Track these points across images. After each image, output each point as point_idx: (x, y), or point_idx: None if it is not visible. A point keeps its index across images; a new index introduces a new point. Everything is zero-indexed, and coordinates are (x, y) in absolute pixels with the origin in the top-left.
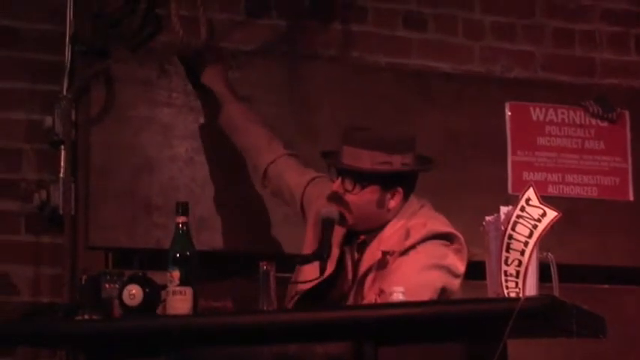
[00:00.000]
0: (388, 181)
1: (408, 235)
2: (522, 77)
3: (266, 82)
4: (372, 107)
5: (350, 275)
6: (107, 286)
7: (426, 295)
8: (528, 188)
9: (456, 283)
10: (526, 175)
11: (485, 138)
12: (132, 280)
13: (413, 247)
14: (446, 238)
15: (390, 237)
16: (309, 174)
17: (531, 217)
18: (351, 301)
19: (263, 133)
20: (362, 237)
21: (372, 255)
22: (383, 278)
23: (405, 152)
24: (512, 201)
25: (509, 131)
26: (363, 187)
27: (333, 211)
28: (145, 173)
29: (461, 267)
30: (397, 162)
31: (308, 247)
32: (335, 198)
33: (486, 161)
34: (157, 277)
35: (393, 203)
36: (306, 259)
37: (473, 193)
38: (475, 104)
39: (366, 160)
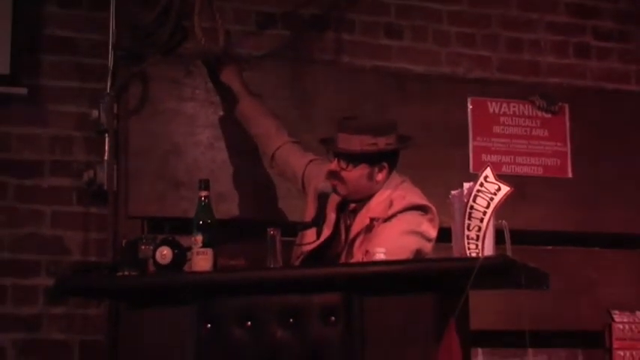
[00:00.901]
0: (375, 159)
1: (391, 204)
2: (481, 77)
3: (273, 81)
4: (359, 102)
5: (343, 238)
6: (143, 247)
7: (403, 255)
8: (486, 168)
9: (429, 246)
10: (484, 157)
11: (451, 127)
12: (163, 242)
13: (394, 215)
14: (421, 209)
15: (376, 206)
16: (309, 157)
17: (489, 191)
18: (342, 259)
19: (271, 123)
20: (353, 205)
21: (361, 221)
22: (369, 241)
23: (388, 134)
24: (473, 178)
25: (471, 121)
26: (355, 165)
27: (328, 186)
28: (174, 156)
29: (433, 233)
30: (382, 143)
31: (308, 216)
32: (333, 175)
33: (452, 146)
34: (184, 240)
35: (380, 177)
36: (307, 226)
37: (442, 171)
38: (443, 99)
39: (357, 143)
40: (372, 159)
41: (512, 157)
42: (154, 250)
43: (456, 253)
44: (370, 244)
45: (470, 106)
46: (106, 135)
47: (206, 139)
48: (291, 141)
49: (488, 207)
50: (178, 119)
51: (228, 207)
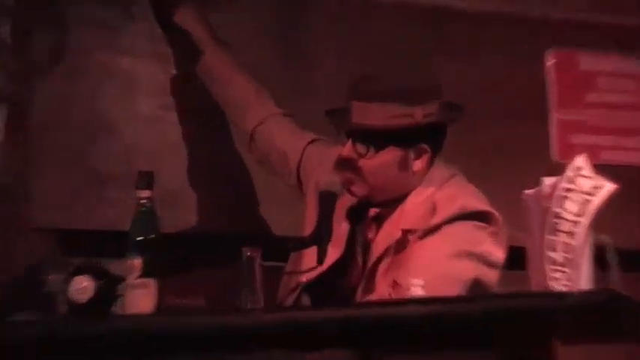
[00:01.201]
0: (410, 138)
1: (434, 210)
2: (568, 17)
3: (253, 25)
4: (376, 56)
5: (360, 261)
6: (50, 277)
7: (452, 290)
8: (578, 155)
9: (492, 275)
10: (573, 138)
11: (521, 93)
12: (81, 270)
13: (438, 227)
14: (481, 217)
15: (412, 210)
16: (307, 137)
17: (582, 190)
18: (359, 295)
19: (250, 87)
20: (375, 211)
21: (388, 234)
22: (399, 266)
23: (427, 102)
24: (558, 171)
25: (552, 85)
26: (378, 149)
27: (334, 182)
28: (101, 136)
29: (498, 254)
30: (420, 114)
31: (308, 228)
32: (345, 165)
33: (523, 121)
34: (114, 266)
35: (419, 164)
36: (303, 244)
37: (507, 161)
38: (508, 52)
39: (380, 114)
40: (405, 138)
41: (614, 137)
42: (67, 281)
43: (532, 286)
44: (401, 272)
45: (550, 61)
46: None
47: (149, 111)
48: (279, 113)
49: (582, 214)
50: (109, 81)
51: (182, 214)
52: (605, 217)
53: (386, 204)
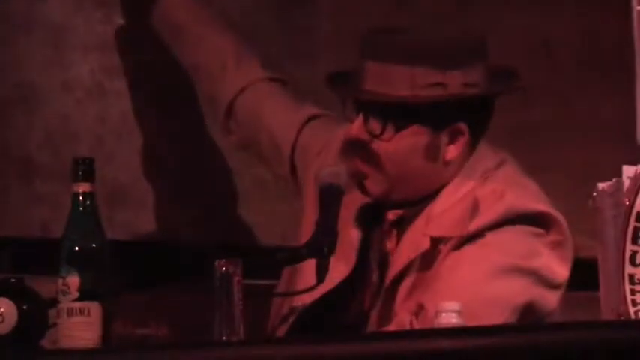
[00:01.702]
0: (443, 116)
1: (475, 210)
2: None
3: None
4: (400, 5)
5: (374, 277)
6: None
7: (497, 318)
8: None
9: (552, 298)
10: None
11: (599, 52)
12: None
13: (479, 234)
14: (537, 221)
15: (445, 212)
16: (304, 111)
17: None
18: (373, 323)
19: (226, 41)
20: (396, 214)
21: (413, 244)
22: (427, 286)
23: (467, 65)
24: None
25: (639, 40)
26: (399, 129)
27: (338, 173)
28: (22, 110)
29: (561, 271)
30: (456, 81)
31: (306, 234)
32: (355, 150)
33: (600, 90)
34: (43, 285)
35: (453, 151)
36: (295, 256)
37: (577, 142)
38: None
39: (403, 81)
40: (437, 116)
41: None
42: None
43: (605, 312)
44: (428, 294)
45: (637, 7)
46: None
47: (89, 77)
48: (266, 77)
49: None
50: (32, 35)
51: (134, 215)
52: None
53: (410, 204)
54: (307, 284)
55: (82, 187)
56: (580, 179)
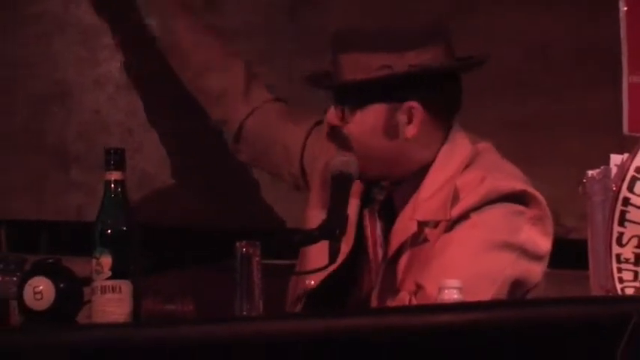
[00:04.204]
0: (394, 94)
1: (457, 196)
2: None
3: None
4: (415, 2)
5: (372, 257)
6: (0, 278)
7: (489, 292)
8: None
9: (536, 270)
10: None
11: (587, 50)
12: (38, 270)
13: (466, 216)
14: (518, 199)
15: (430, 199)
16: (309, 120)
17: None
18: (374, 300)
19: (234, 66)
20: (384, 193)
21: (403, 227)
22: (422, 267)
23: (418, 47)
24: (629, 146)
25: (626, 37)
26: (360, 109)
27: (348, 161)
28: (56, 105)
29: (544, 244)
30: (401, 63)
31: (314, 217)
32: (333, 134)
33: (588, 84)
34: (78, 265)
35: (411, 129)
36: (309, 238)
37: (568, 133)
38: None
39: (358, 67)
40: (389, 95)
41: None
42: (22, 284)
43: (595, 289)
44: (424, 274)
45: (624, 8)
46: None
47: (119, 73)
48: (271, 99)
49: None
50: (63, 35)
51: (161, 201)
52: None
53: (393, 183)
54: (315, 265)
55: (114, 175)
56: (571, 167)
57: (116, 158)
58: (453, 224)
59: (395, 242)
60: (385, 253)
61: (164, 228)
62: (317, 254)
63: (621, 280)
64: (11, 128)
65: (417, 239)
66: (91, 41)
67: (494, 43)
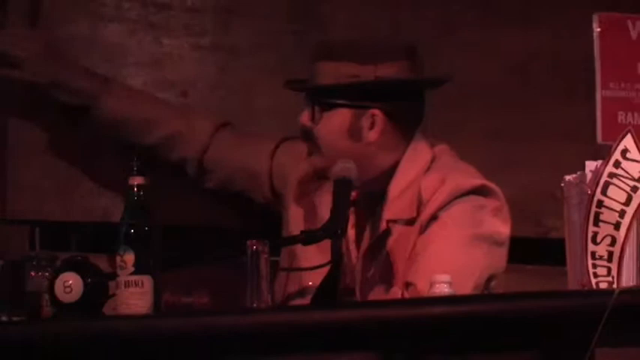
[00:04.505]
0: (359, 101)
1: (421, 197)
2: None
3: None
4: (406, 21)
5: (349, 253)
6: (33, 274)
7: (469, 283)
8: (625, 135)
9: (502, 255)
10: (621, 117)
11: (564, 65)
12: (67, 266)
13: (435, 217)
14: (479, 193)
15: (396, 199)
16: (269, 142)
17: (630, 175)
18: (358, 293)
19: (171, 113)
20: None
21: (375, 226)
22: (404, 265)
23: (386, 61)
24: (603, 153)
25: (598, 55)
26: (329, 113)
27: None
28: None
29: (505, 231)
30: (368, 74)
31: (295, 229)
32: (304, 134)
33: (566, 98)
34: (104, 262)
35: (373, 134)
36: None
37: (547, 142)
38: (551, 18)
39: (329, 74)
40: (355, 101)
41: None
42: (53, 279)
43: (572, 283)
44: (411, 272)
45: (597, 29)
46: None
47: (142, 86)
48: (220, 125)
49: (628, 203)
50: (93, 53)
51: (180, 203)
52: None
53: (361, 186)
54: (309, 264)
55: (137, 180)
56: (550, 172)
57: (139, 165)
58: (426, 226)
59: (366, 240)
60: (358, 251)
61: (183, 227)
62: (310, 254)
63: (596, 275)
64: (49, 136)
65: (387, 237)
66: (116, 59)
67: (477, 59)
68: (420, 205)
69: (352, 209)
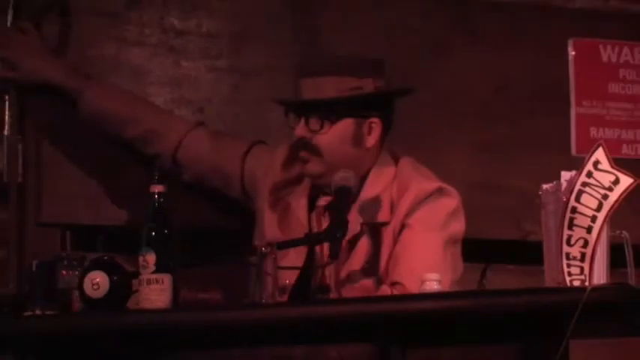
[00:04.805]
0: (362, 111)
1: (391, 203)
2: (590, 7)
3: (266, 14)
4: (400, 44)
5: (319, 253)
6: (64, 273)
7: (447, 278)
8: (597, 148)
9: (459, 253)
10: (594, 132)
11: (542, 84)
12: (95, 265)
13: (405, 224)
14: (438, 194)
15: (369, 205)
16: (241, 145)
17: (600, 184)
18: (334, 290)
19: (149, 111)
20: (326, 199)
21: (350, 227)
22: (391, 269)
23: (376, 75)
24: (577, 165)
25: (573, 76)
26: (333, 123)
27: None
28: None
29: (461, 228)
30: (369, 85)
31: (270, 233)
32: (301, 145)
33: (543, 114)
34: (128, 261)
35: (371, 140)
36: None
37: (526, 154)
38: (530, 42)
39: (333, 87)
40: (358, 110)
41: (636, 131)
42: (82, 277)
43: (548, 281)
44: (395, 272)
45: (572, 53)
46: (7, 97)
47: (162, 104)
48: (195, 125)
49: (599, 209)
50: (119, 73)
51: (197, 208)
52: (623, 213)
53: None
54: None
55: (158, 188)
56: (529, 181)
57: (159, 175)
58: (399, 231)
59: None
60: (333, 251)
61: (199, 230)
62: (291, 255)
63: (570, 274)
64: (79, 147)
65: (360, 238)
66: (139, 79)
67: (465, 79)
68: (392, 208)
69: (323, 213)
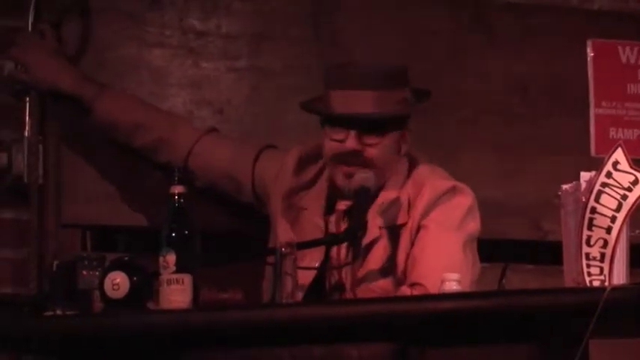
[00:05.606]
0: (405, 123)
1: (407, 206)
2: (609, 8)
3: (286, 15)
4: (420, 46)
5: (335, 256)
6: (85, 273)
7: (468, 278)
8: (616, 149)
9: (476, 251)
10: (613, 133)
11: (560, 85)
12: (115, 266)
13: (422, 225)
14: (453, 192)
15: (388, 209)
16: (250, 149)
17: (620, 185)
18: (350, 292)
19: (160, 118)
20: (346, 203)
21: (368, 231)
22: (410, 270)
23: (406, 85)
24: (596, 165)
25: (592, 77)
26: (383, 136)
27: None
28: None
29: (477, 226)
30: (409, 97)
31: (284, 239)
32: (354, 158)
33: (562, 115)
34: (149, 261)
35: (405, 147)
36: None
37: (545, 155)
38: (548, 43)
39: (375, 102)
40: (402, 123)
41: None
42: (102, 278)
43: (568, 281)
44: (414, 274)
45: (591, 54)
46: (27, 99)
47: (182, 105)
48: (206, 131)
49: (618, 210)
50: (139, 75)
51: (216, 210)
52: None
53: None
54: (309, 264)
55: (178, 189)
56: (549, 182)
57: (180, 175)
58: (416, 232)
59: (360, 244)
60: (353, 254)
61: (218, 231)
62: (309, 256)
63: (589, 274)
64: (100, 148)
65: (377, 240)
66: (160, 80)
67: (485, 80)
68: (409, 209)
69: (342, 217)
